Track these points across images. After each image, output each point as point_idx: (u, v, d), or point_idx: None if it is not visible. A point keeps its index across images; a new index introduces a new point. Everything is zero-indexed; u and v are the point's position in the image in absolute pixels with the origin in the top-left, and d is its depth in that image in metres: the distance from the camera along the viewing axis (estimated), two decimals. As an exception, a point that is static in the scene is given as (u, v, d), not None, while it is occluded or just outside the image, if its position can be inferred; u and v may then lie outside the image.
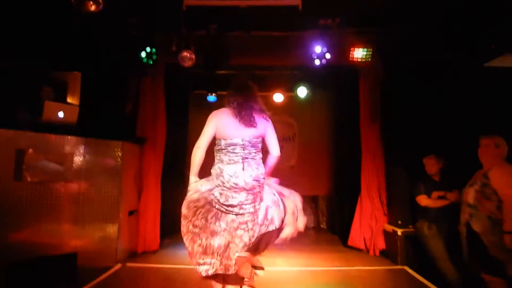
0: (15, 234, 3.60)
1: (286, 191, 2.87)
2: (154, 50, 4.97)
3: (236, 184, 2.57)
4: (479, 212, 2.99)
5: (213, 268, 2.54)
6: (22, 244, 3.63)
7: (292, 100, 6.53)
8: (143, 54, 4.96)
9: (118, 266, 4.27)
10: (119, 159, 4.46)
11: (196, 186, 2.69)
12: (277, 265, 4.20)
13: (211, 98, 6.25)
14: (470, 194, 3.08)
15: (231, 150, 2.65)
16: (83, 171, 4.15)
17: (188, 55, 4.82)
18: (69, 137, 4.06)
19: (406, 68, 4.99)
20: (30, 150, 3.70)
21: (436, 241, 3.93)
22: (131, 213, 4.78)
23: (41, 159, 3.83)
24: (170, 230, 6.09)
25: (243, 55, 5.41)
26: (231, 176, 2.58)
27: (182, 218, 2.64)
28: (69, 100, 4.60)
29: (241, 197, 2.58)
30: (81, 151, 4.14)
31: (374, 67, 5.24)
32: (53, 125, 3.96)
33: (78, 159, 4.11)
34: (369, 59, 5.10)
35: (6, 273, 3.44)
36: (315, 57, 4.95)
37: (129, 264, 4.39)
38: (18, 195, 3.64)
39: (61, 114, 4.05)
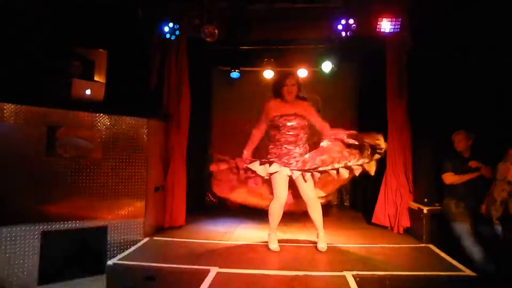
0: (48, 206, 3.79)
1: None
2: (177, 26, 4.96)
3: None
4: None
5: None
6: (55, 215, 3.82)
7: (316, 75, 6.40)
8: (166, 29, 4.96)
9: (146, 239, 4.43)
10: (145, 136, 4.54)
11: None
12: (299, 242, 4.24)
13: (235, 74, 6.20)
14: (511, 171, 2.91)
15: None
16: (111, 148, 4.25)
17: (211, 30, 4.78)
18: (97, 114, 4.16)
19: (435, 40, 4.75)
20: (61, 127, 3.84)
21: (463, 219, 3.85)
22: (157, 189, 4.90)
23: (72, 135, 3.96)
24: (196, 207, 6.26)
25: (266, 29, 5.29)
26: None
27: None
28: (96, 78, 4.69)
29: None
30: (109, 128, 4.24)
31: (402, 38, 5.01)
32: (82, 103, 4.06)
33: (106, 136, 4.22)
34: (398, 30, 4.89)
35: (39, 241, 3.67)
36: (340, 29, 4.79)
37: (156, 238, 4.54)
38: (50, 170, 3.80)
39: (88, 92, 4.13)
